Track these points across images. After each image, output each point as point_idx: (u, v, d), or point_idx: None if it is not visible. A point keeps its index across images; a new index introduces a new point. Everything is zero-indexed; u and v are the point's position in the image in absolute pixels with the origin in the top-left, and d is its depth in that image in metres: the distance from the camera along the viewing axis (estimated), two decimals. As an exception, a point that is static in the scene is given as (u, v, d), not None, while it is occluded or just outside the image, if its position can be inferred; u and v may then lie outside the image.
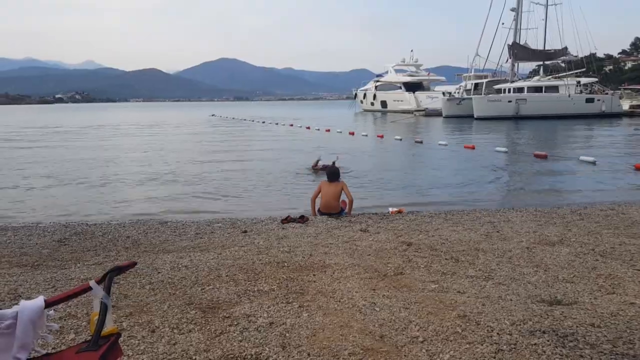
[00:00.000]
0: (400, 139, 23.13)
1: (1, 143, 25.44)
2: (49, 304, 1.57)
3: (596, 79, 45.53)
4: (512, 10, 47.83)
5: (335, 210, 7.46)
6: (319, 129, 31.40)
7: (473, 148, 18.59)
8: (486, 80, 48.36)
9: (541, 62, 48.18)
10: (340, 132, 28.36)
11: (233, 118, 54.38)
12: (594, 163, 14.03)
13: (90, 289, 1.58)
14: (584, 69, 46.56)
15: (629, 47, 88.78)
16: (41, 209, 9.30)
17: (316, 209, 7.68)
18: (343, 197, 7.65)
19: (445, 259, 4.85)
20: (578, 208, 7.83)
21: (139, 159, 17.64)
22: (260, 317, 3.41)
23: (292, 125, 36.70)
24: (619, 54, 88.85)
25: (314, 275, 4.38)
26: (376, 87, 67.37)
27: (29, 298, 1.62)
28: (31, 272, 4.74)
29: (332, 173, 7.70)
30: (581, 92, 42.31)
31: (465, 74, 54.68)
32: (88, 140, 26.70)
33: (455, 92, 50.97)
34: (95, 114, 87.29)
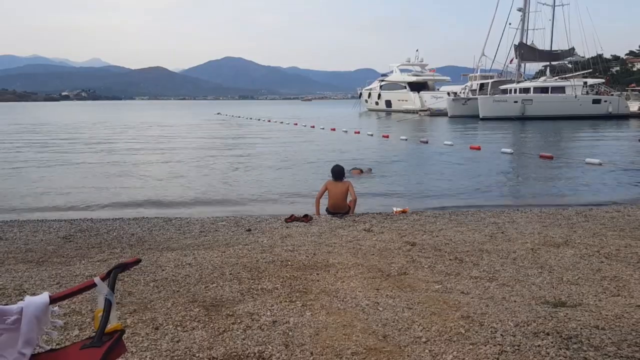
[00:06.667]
0: (406, 139, 23.09)
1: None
2: (53, 300, 1.58)
3: (603, 80, 45.25)
4: (519, 10, 47.62)
5: (343, 210, 7.48)
6: (323, 128, 31.41)
7: (479, 149, 18.53)
8: (492, 80, 48.17)
9: (548, 63, 47.94)
10: (346, 131, 28.35)
11: (238, 117, 54.46)
12: (599, 164, 13.95)
13: (94, 285, 1.59)
14: (590, 70, 46.25)
15: (637, 49, 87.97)
16: (45, 205, 9.35)
17: (323, 209, 7.70)
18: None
19: (449, 259, 4.84)
20: (583, 209, 7.78)
21: (144, 157, 17.71)
22: (264, 315, 3.42)
23: (296, 124, 36.71)
24: (626, 55, 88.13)
25: (317, 274, 4.38)
26: (381, 86, 67.22)
27: (34, 294, 1.63)
28: (36, 268, 4.77)
29: (338, 172, 7.71)
30: (588, 93, 42.04)
31: (470, 74, 54.50)
32: (101, 140, 26.81)
33: (460, 92, 50.81)
34: (108, 111, 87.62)
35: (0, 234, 6.42)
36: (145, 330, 3.19)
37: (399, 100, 62.37)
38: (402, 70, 66.11)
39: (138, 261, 1.74)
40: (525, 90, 43.24)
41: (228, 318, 3.38)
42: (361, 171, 12.75)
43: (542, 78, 46.39)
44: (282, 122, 39.51)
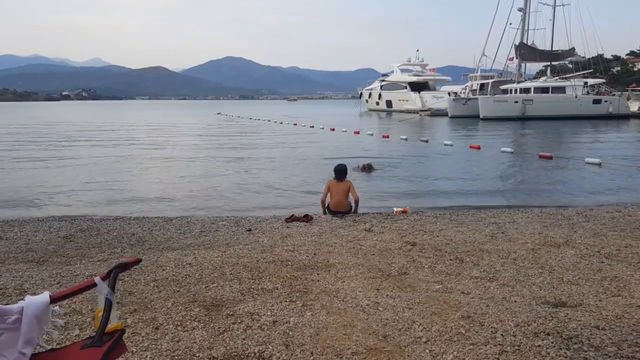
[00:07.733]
0: (406, 139, 23.09)
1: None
2: (54, 300, 1.58)
3: (603, 80, 45.21)
4: (520, 10, 47.62)
5: (344, 209, 7.50)
6: (322, 128, 31.40)
7: (479, 148, 18.54)
8: (492, 80, 48.17)
9: (548, 63, 47.92)
10: (345, 131, 28.34)
11: (239, 117, 54.43)
12: (599, 164, 13.95)
13: (95, 285, 1.59)
14: (591, 70, 46.19)
15: (638, 49, 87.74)
16: (46, 205, 9.36)
17: (325, 208, 7.71)
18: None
19: (450, 259, 4.84)
20: (584, 209, 7.78)
21: (144, 157, 17.71)
22: (264, 315, 3.42)
23: (295, 124, 36.70)
24: (627, 55, 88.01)
25: (317, 274, 4.38)
26: (381, 86, 67.19)
27: (34, 294, 1.63)
28: (37, 268, 4.77)
29: (340, 171, 7.72)
30: (588, 93, 42.02)
31: (471, 74, 54.49)
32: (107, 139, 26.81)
33: (461, 92, 50.81)
34: (109, 111, 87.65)
35: (0, 234, 6.42)
36: (145, 330, 3.19)
37: (399, 100, 62.34)
38: (402, 70, 66.06)
39: (138, 261, 1.74)
40: (526, 90, 43.23)
41: (228, 318, 3.38)
42: (365, 167, 12.88)
43: (543, 78, 46.39)
44: (281, 123, 39.47)
